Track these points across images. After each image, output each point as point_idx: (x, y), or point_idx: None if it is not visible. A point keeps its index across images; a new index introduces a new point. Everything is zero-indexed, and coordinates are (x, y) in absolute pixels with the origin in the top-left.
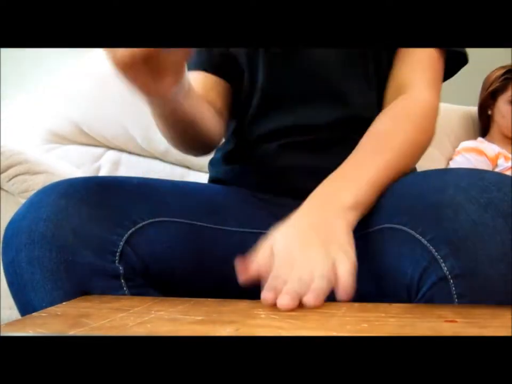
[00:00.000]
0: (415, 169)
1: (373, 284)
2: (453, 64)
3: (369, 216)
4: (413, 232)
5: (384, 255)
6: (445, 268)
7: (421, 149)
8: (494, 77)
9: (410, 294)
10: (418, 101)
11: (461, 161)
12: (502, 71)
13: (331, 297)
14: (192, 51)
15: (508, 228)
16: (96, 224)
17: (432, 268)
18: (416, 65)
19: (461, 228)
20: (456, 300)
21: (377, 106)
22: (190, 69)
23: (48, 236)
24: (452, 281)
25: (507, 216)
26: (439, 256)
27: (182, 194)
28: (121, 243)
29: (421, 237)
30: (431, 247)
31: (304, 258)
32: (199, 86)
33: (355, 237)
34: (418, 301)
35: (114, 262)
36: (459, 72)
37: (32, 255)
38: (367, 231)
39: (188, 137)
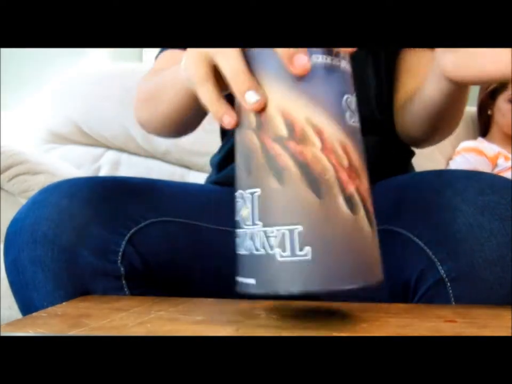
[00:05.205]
0: (413, 169)
1: None
2: None
3: None
4: (410, 235)
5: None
6: (442, 271)
7: None
8: None
9: (407, 297)
10: None
11: (460, 161)
12: None
13: (331, 299)
14: None
15: (504, 230)
16: (98, 224)
17: (429, 270)
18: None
19: (457, 231)
20: (454, 302)
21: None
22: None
23: (50, 236)
24: (449, 284)
25: (503, 219)
26: (436, 259)
27: (183, 195)
28: (123, 243)
29: (418, 240)
30: (428, 250)
31: None
32: None
33: None
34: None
35: (116, 262)
36: None
37: (34, 254)
38: None
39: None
